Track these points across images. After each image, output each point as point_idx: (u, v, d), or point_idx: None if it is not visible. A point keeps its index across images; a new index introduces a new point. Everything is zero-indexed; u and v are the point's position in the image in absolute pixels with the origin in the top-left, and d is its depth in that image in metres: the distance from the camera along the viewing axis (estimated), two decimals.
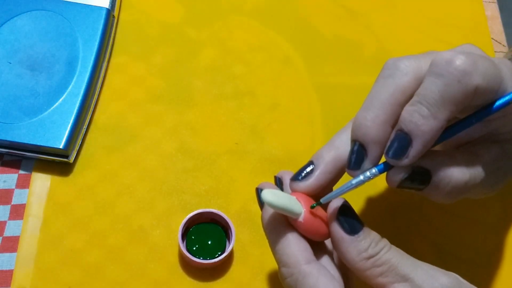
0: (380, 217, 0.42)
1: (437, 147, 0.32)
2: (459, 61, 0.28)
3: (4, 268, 0.38)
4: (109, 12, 0.46)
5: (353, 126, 0.30)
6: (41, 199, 0.41)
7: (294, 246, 0.30)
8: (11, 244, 0.39)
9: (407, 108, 0.29)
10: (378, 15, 0.52)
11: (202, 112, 0.45)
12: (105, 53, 0.46)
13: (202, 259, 0.38)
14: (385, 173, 0.31)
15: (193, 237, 0.39)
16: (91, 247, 0.40)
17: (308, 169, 0.32)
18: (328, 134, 0.45)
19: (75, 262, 0.39)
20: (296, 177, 0.32)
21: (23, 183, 0.42)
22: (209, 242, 0.39)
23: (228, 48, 0.49)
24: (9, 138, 0.41)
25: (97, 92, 0.45)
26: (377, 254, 0.29)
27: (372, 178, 0.30)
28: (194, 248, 0.39)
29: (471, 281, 0.41)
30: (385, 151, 0.30)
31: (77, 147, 0.42)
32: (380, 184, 0.43)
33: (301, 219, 0.30)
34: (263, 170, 0.43)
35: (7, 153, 0.42)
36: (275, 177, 0.34)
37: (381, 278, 0.29)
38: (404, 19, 0.52)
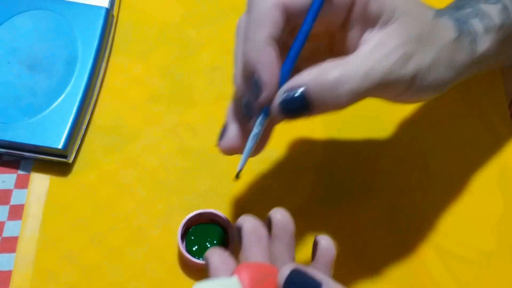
0: (380, 217, 0.42)
1: None
2: None
3: (3, 269, 0.38)
4: (109, 12, 0.46)
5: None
6: (40, 199, 0.41)
7: None
8: (10, 245, 0.39)
9: (243, 52, 0.32)
10: None
11: (202, 112, 0.45)
12: (104, 53, 0.46)
13: (202, 259, 0.38)
14: None
15: (192, 238, 0.39)
16: (90, 247, 0.39)
17: (223, 130, 0.34)
18: (328, 134, 0.45)
19: (74, 262, 0.39)
20: (218, 140, 0.35)
21: (22, 183, 0.41)
22: (209, 243, 0.39)
23: (228, 48, 0.49)
24: (8, 138, 0.41)
25: (96, 92, 0.45)
26: None
27: (264, 124, 0.32)
28: (194, 249, 0.39)
29: (471, 281, 0.41)
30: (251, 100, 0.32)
31: (76, 147, 0.42)
32: (380, 184, 0.43)
33: None
34: (263, 170, 0.43)
35: (6, 153, 0.42)
36: (205, 256, 0.32)
37: None
38: None
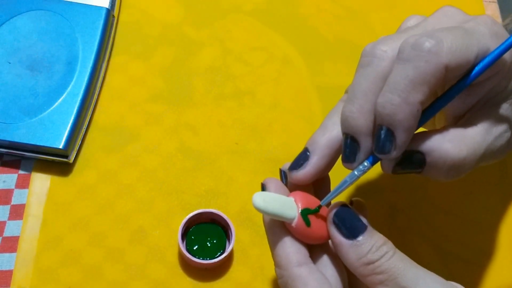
0: (380, 217, 0.42)
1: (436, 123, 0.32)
2: (424, 42, 0.28)
3: (3, 268, 0.38)
4: (109, 12, 0.46)
5: (341, 120, 0.30)
6: (40, 199, 0.41)
7: (288, 248, 0.30)
8: (10, 244, 0.39)
9: (379, 101, 0.29)
10: (378, 15, 0.52)
11: (202, 112, 0.45)
12: (105, 53, 0.46)
13: (202, 259, 0.38)
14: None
15: (193, 237, 0.39)
16: (91, 247, 0.40)
17: (304, 157, 0.31)
18: None
19: (75, 262, 0.39)
20: (293, 167, 0.32)
21: (23, 183, 0.42)
22: (209, 242, 0.39)
23: (228, 48, 0.49)
24: (8, 138, 0.41)
25: (97, 92, 0.45)
26: (377, 260, 0.28)
27: (366, 171, 0.30)
28: (194, 248, 0.39)
29: (471, 281, 0.41)
30: (373, 148, 0.30)
31: (76, 147, 0.42)
32: (380, 184, 0.43)
33: (293, 224, 0.30)
34: (263, 170, 0.43)
35: (7, 153, 0.42)
36: (280, 170, 0.33)
37: (381, 286, 0.28)
38: (404, 19, 0.52)
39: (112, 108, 0.45)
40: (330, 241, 0.31)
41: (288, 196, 0.31)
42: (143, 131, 0.44)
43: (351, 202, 0.33)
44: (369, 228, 0.29)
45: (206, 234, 0.39)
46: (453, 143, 0.29)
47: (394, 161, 0.30)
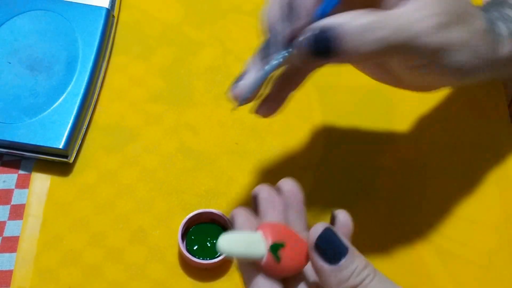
0: (380, 217, 0.42)
1: None
2: None
3: (3, 268, 0.38)
4: (109, 12, 0.46)
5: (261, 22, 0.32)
6: (40, 199, 0.41)
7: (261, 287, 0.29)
8: (10, 244, 0.39)
9: None
10: None
11: (202, 112, 0.45)
12: (105, 53, 0.46)
13: (202, 259, 0.38)
14: None
15: (193, 237, 0.39)
16: (91, 247, 0.40)
17: (243, 73, 0.33)
18: (328, 134, 0.45)
19: (75, 262, 0.39)
20: (232, 85, 0.33)
21: (23, 183, 0.42)
22: (209, 242, 0.39)
23: (228, 48, 0.49)
24: (8, 138, 0.41)
25: (97, 92, 0.45)
26: (359, 284, 0.28)
27: (284, 59, 0.31)
28: (194, 248, 0.39)
29: (470, 281, 0.41)
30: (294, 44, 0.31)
31: (77, 147, 0.42)
32: (380, 184, 0.43)
33: (263, 263, 0.28)
34: (263, 170, 0.43)
35: (7, 153, 0.42)
36: (230, 215, 0.32)
37: None
38: None
39: (112, 108, 0.45)
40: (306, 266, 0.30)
41: (257, 229, 0.29)
42: (143, 131, 0.44)
43: (333, 216, 0.32)
44: (351, 250, 0.28)
45: (206, 234, 0.39)
46: (359, 15, 0.29)
47: (307, 42, 0.30)
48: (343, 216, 0.32)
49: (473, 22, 0.33)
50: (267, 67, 0.31)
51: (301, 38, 0.30)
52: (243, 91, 0.32)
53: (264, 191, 0.32)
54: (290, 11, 0.30)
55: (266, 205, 0.31)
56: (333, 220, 0.32)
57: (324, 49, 0.30)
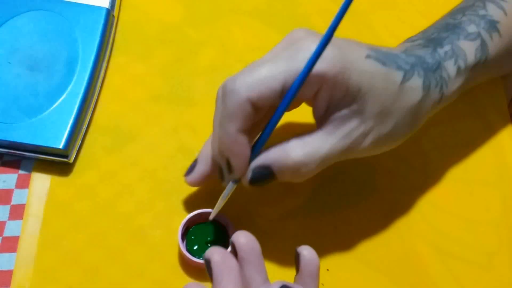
0: (380, 217, 0.42)
1: None
2: (226, 83, 0.34)
3: (3, 268, 0.38)
4: (109, 12, 0.46)
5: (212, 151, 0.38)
6: (41, 199, 0.41)
7: None
8: (10, 244, 0.39)
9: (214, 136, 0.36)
10: (378, 15, 0.52)
11: (202, 112, 0.45)
12: (105, 53, 0.46)
13: (202, 259, 0.38)
14: None
15: (193, 237, 0.39)
16: (91, 247, 0.40)
17: (193, 165, 0.39)
18: None
19: (75, 262, 0.39)
20: (186, 173, 0.39)
21: (23, 183, 0.42)
22: (209, 242, 0.39)
23: (228, 48, 0.49)
24: (8, 138, 0.41)
25: (97, 92, 0.45)
26: None
27: (233, 188, 0.36)
28: (194, 248, 0.39)
29: (471, 281, 0.41)
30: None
31: (77, 147, 0.42)
32: (380, 184, 0.43)
33: None
34: None
35: (7, 153, 0.42)
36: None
37: None
38: (404, 19, 0.52)
39: (112, 108, 0.45)
40: None
41: None
42: (143, 131, 0.44)
43: (297, 253, 0.33)
44: None
45: (206, 234, 0.39)
46: (291, 150, 0.34)
47: (247, 179, 0.35)
48: (308, 253, 0.32)
49: (406, 101, 0.35)
50: (222, 196, 0.37)
51: (246, 179, 0.35)
52: (195, 181, 0.39)
53: (216, 255, 0.31)
54: (227, 163, 0.35)
55: (219, 271, 0.31)
56: (297, 257, 0.32)
57: (267, 181, 0.35)
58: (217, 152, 0.35)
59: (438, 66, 0.37)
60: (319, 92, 0.33)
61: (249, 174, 0.35)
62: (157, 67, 0.47)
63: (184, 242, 0.39)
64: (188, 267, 0.39)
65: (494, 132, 0.46)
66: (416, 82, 0.36)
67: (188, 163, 0.43)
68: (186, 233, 0.40)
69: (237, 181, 0.36)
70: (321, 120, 0.35)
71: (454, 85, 0.38)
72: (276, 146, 0.34)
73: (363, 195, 0.43)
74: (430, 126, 0.46)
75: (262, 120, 0.35)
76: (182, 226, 0.39)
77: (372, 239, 0.41)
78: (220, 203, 0.37)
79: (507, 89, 0.48)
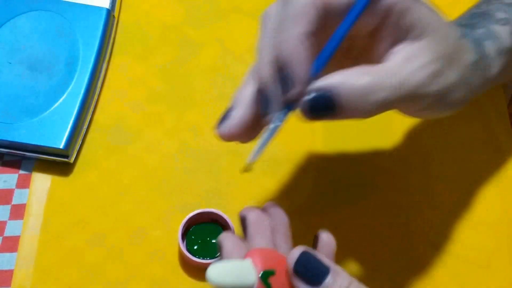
0: (380, 217, 0.42)
1: None
2: None
3: (4, 268, 0.39)
4: (109, 13, 0.46)
5: (252, 75, 0.32)
6: (41, 199, 0.41)
7: None
8: (11, 244, 0.39)
9: (273, 45, 0.30)
10: None
11: (202, 112, 0.45)
12: (105, 53, 0.46)
13: (202, 259, 0.38)
14: None
15: (193, 237, 0.39)
16: (91, 247, 0.40)
17: (229, 110, 0.32)
18: (328, 134, 0.45)
19: (75, 262, 0.39)
20: (218, 123, 0.32)
21: (24, 183, 0.42)
22: (209, 242, 0.39)
23: (228, 48, 0.49)
24: (9, 138, 0.41)
25: (97, 92, 0.45)
26: None
27: (285, 119, 0.30)
28: (194, 248, 0.39)
29: (471, 281, 0.41)
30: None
31: (77, 147, 0.42)
32: (380, 184, 0.43)
33: None
34: (263, 170, 0.43)
35: (8, 153, 0.42)
36: (218, 240, 0.32)
37: None
38: None
39: (112, 108, 0.45)
40: None
41: (246, 256, 0.29)
42: (143, 131, 0.44)
43: (316, 236, 0.33)
44: (333, 269, 0.28)
45: (206, 234, 0.40)
46: (358, 75, 0.30)
47: (307, 105, 0.30)
48: (326, 236, 0.32)
49: (462, 58, 0.33)
50: (271, 128, 0.30)
51: (303, 102, 0.30)
52: (231, 131, 0.32)
53: (252, 214, 0.32)
54: (282, 77, 0.30)
55: (254, 229, 0.31)
56: (316, 240, 0.32)
57: (327, 110, 0.30)
58: (272, 64, 0.30)
59: (480, 43, 0.36)
60: (389, 14, 0.31)
61: (308, 97, 0.29)
62: (157, 67, 0.47)
63: (184, 242, 0.39)
64: (188, 267, 0.40)
65: (494, 132, 0.46)
66: (470, 44, 0.35)
67: (188, 163, 0.43)
68: (186, 233, 0.40)
69: (292, 108, 0.30)
70: (385, 55, 0.32)
71: (496, 65, 0.36)
72: (339, 71, 0.30)
73: (363, 195, 0.43)
74: (430, 126, 0.46)
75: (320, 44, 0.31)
76: (182, 226, 0.39)
77: (372, 239, 0.41)
78: (266, 138, 0.31)
79: (507, 89, 0.48)
